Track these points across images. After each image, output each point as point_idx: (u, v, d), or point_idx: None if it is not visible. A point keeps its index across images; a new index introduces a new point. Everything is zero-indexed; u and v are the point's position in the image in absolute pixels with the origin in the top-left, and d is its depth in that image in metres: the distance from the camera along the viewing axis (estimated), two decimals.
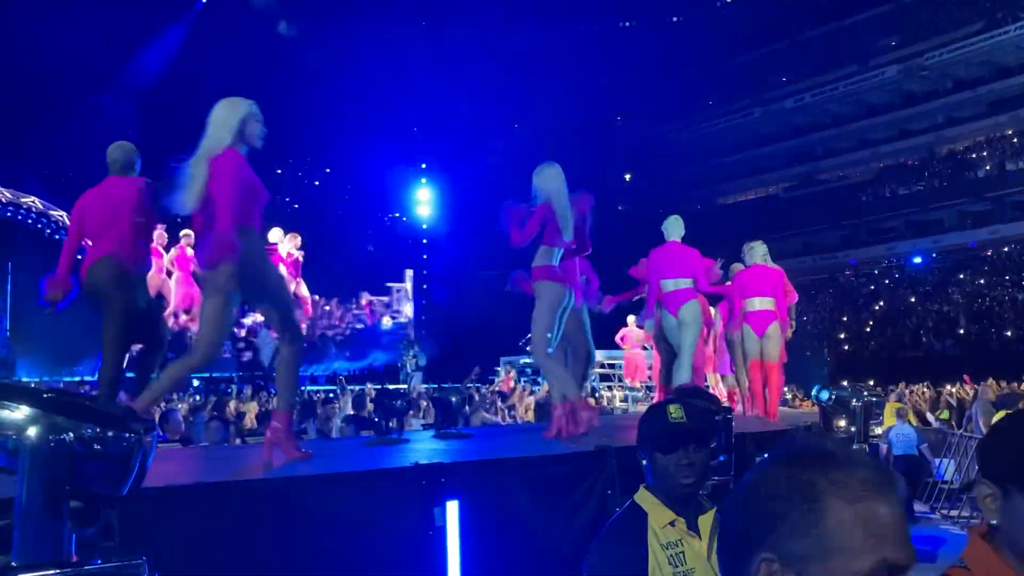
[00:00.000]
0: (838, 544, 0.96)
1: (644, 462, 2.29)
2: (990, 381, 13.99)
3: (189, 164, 3.92)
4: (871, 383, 17.37)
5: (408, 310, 17.72)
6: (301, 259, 14.75)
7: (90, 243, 4.81)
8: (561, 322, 5.63)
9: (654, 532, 2.18)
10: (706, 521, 2.24)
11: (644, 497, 2.28)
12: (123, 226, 4.74)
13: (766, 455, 1.09)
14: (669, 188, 38.74)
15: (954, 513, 10.47)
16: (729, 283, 8.05)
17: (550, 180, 5.46)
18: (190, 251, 15.07)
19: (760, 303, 7.48)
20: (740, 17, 35.56)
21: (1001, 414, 9.34)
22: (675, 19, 38.22)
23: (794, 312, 8.40)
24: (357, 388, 13.91)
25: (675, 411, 2.24)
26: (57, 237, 14.20)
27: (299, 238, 14.39)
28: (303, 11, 24.92)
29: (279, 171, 26.33)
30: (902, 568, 0.96)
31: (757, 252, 7.69)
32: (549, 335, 5.56)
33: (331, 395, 13.71)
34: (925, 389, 15.75)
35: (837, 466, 1.01)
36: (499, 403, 12.29)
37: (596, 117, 37.73)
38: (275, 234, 15.61)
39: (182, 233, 15.27)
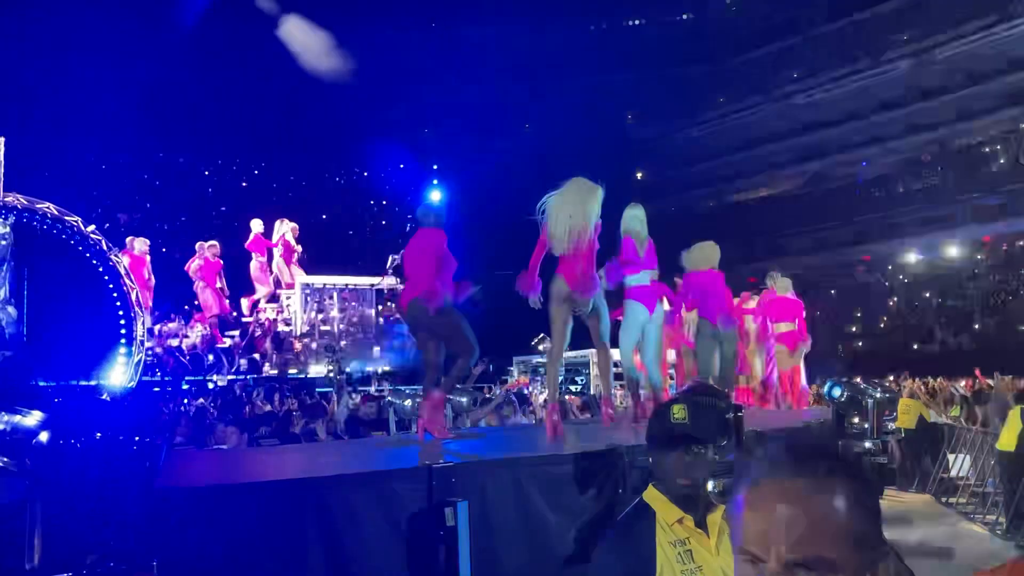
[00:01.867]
0: None
1: (651, 460, 2.31)
2: (1005, 377, 13.80)
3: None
4: (890, 378, 17.16)
5: (298, 317, 16.35)
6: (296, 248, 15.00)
7: (409, 282, 5.95)
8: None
9: (662, 529, 2.19)
10: (715, 519, 2.24)
11: (652, 495, 2.29)
12: (429, 268, 5.69)
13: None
14: (681, 186, 38.59)
15: (969, 508, 10.39)
16: (755, 303, 10.01)
17: (633, 220, 6.73)
18: (213, 260, 15.34)
19: (786, 327, 9.66)
20: (750, 13, 35.39)
21: (1018, 408, 9.29)
22: (684, 16, 38.11)
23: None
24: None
25: (678, 411, 2.26)
26: (72, 243, 14.23)
27: (287, 222, 14.80)
28: (311, 10, 24.94)
29: (291, 178, 26.38)
30: None
31: (781, 285, 9.87)
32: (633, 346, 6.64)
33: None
34: (924, 383, 15.49)
35: None
36: (515, 404, 12.19)
37: (606, 115, 37.64)
38: (256, 225, 15.79)
39: (207, 244, 15.42)
